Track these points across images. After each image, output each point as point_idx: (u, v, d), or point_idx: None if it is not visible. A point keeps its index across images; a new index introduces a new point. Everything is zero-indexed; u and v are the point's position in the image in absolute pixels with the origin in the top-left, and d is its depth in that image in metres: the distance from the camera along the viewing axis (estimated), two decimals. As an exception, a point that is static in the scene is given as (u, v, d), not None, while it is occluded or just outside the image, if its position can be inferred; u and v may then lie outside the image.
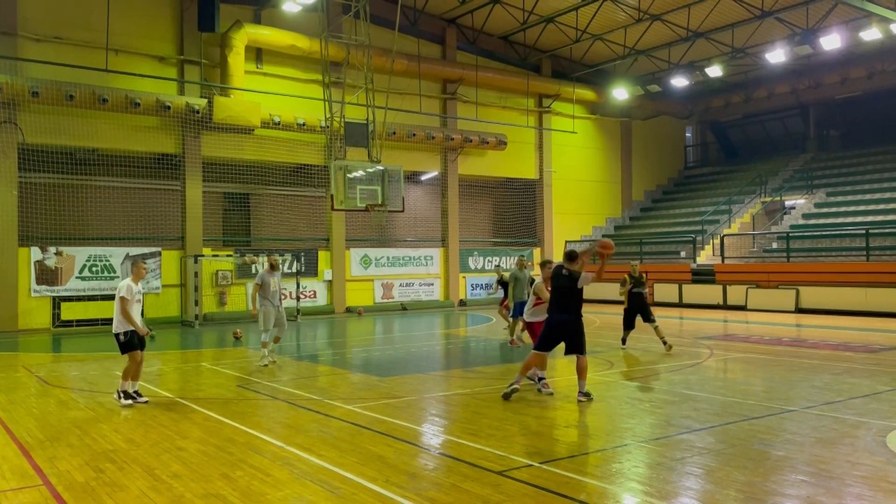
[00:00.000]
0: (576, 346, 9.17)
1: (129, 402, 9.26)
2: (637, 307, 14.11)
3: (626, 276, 14.20)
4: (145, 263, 10.06)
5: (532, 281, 13.67)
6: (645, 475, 6.16)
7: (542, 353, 9.32)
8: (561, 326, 9.15)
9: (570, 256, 9.25)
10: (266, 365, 12.40)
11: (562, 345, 9.26)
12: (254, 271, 23.08)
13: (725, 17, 25.55)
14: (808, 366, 11.84)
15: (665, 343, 13.62)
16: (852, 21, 24.29)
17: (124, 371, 9.44)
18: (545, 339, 9.29)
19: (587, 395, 9.09)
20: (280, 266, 13.36)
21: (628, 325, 14.23)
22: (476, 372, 12.05)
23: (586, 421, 8.35)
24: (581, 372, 9.13)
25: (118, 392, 9.39)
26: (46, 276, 19.91)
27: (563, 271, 9.20)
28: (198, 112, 21.11)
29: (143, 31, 21.37)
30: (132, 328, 9.38)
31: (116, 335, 9.41)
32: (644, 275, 14.72)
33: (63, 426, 8.13)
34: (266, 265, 12.88)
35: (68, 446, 7.23)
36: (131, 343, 9.38)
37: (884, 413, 8.25)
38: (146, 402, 9.34)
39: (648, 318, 13.91)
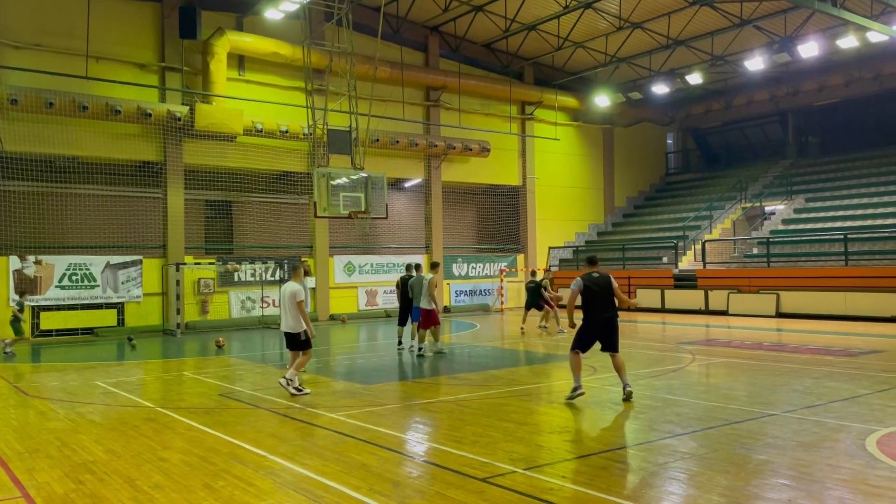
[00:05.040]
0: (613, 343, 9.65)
1: (305, 391, 10.32)
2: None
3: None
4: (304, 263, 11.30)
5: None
6: (628, 480, 6.19)
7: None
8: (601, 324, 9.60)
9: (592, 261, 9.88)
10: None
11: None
12: (236, 279, 23.00)
13: (705, 26, 25.82)
14: (789, 370, 11.95)
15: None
16: (829, 29, 24.63)
17: (298, 364, 10.43)
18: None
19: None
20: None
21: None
22: (460, 379, 12.04)
23: (570, 427, 8.37)
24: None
25: (296, 387, 10.27)
26: (25, 285, 19.66)
27: (594, 274, 9.63)
28: (179, 119, 20.98)
29: (124, 39, 21.23)
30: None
31: (298, 334, 10.34)
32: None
33: (42, 437, 8.03)
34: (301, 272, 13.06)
35: (48, 458, 7.13)
36: (309, 340, 10.45)
37: (864, 416, 8.33)
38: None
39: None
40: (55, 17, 20.11)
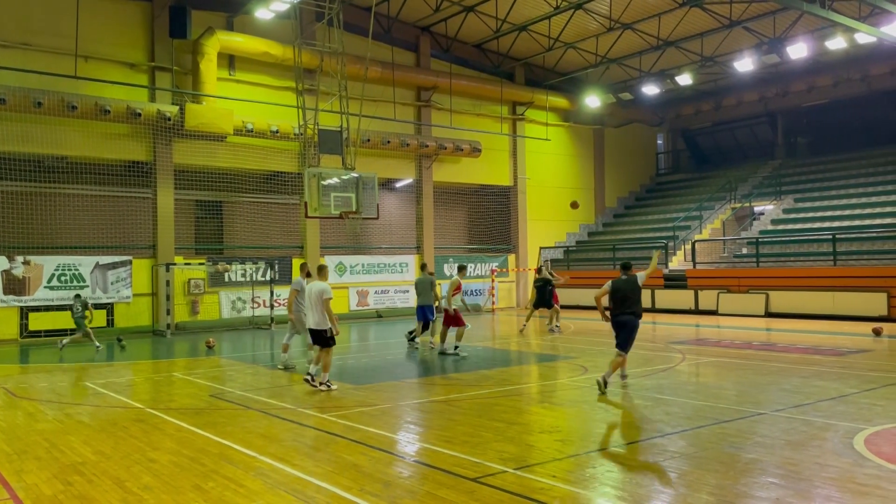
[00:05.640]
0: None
1: (335, 387, 10.77)
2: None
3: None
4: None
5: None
6: (618, 479, 6.22)
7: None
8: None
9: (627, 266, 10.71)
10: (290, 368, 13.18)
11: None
12: (226, 280, 22.92)
13: (695, 27, 25.93)
14: (778, 369, 12.02)
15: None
16: (818, 30, 24.77)
17: (325, 364, 10.77)
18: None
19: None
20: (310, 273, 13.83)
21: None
22: (451, 379, 12.06)
23: (560, 426, 8.40)
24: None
25: (325, 384, 10.72)
26: (14, 285, 19.53)
27: (623, 277, 10.50)
28: (169, 119, 20.89)
29: (114, 38, 21.11)
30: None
31: (324, 331, 10.64)
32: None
33: (31, 438, 7.99)
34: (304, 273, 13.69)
35: (36, 459, 7.10)
36: (333, 338, 10.79)
37: (851, 415, 8.40)
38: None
39: None
40: (43, 15, 19.97)
